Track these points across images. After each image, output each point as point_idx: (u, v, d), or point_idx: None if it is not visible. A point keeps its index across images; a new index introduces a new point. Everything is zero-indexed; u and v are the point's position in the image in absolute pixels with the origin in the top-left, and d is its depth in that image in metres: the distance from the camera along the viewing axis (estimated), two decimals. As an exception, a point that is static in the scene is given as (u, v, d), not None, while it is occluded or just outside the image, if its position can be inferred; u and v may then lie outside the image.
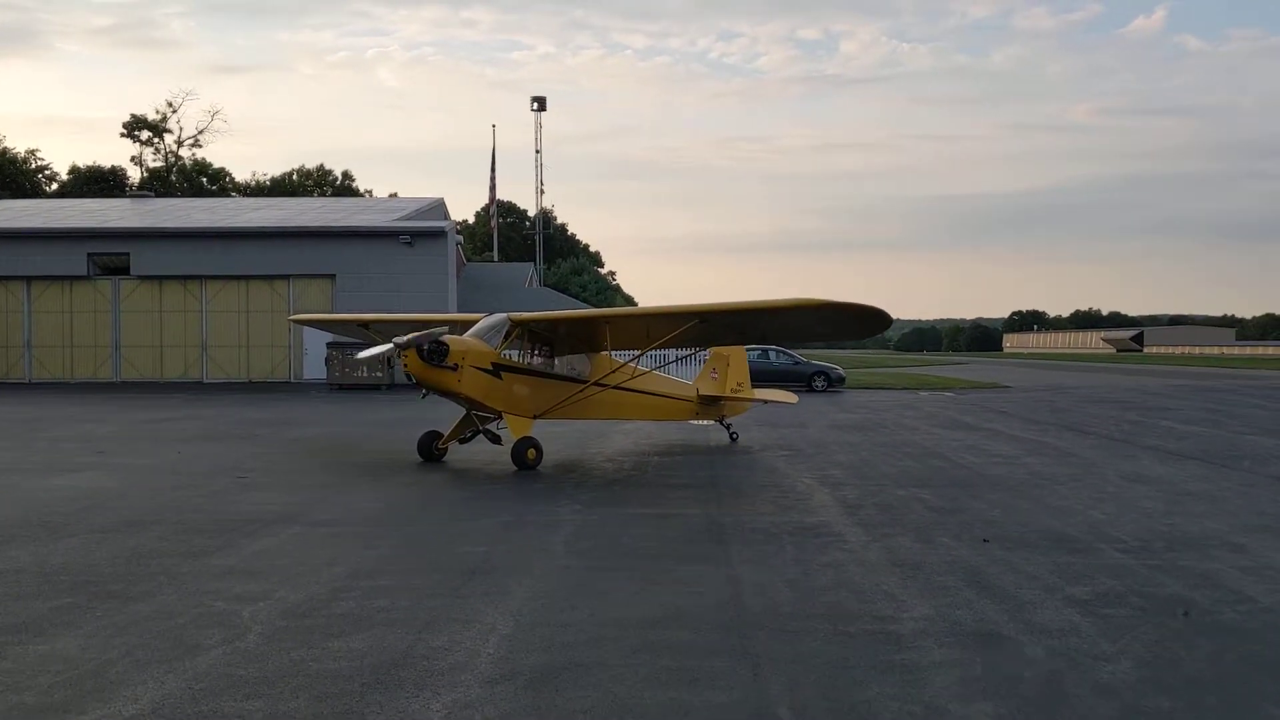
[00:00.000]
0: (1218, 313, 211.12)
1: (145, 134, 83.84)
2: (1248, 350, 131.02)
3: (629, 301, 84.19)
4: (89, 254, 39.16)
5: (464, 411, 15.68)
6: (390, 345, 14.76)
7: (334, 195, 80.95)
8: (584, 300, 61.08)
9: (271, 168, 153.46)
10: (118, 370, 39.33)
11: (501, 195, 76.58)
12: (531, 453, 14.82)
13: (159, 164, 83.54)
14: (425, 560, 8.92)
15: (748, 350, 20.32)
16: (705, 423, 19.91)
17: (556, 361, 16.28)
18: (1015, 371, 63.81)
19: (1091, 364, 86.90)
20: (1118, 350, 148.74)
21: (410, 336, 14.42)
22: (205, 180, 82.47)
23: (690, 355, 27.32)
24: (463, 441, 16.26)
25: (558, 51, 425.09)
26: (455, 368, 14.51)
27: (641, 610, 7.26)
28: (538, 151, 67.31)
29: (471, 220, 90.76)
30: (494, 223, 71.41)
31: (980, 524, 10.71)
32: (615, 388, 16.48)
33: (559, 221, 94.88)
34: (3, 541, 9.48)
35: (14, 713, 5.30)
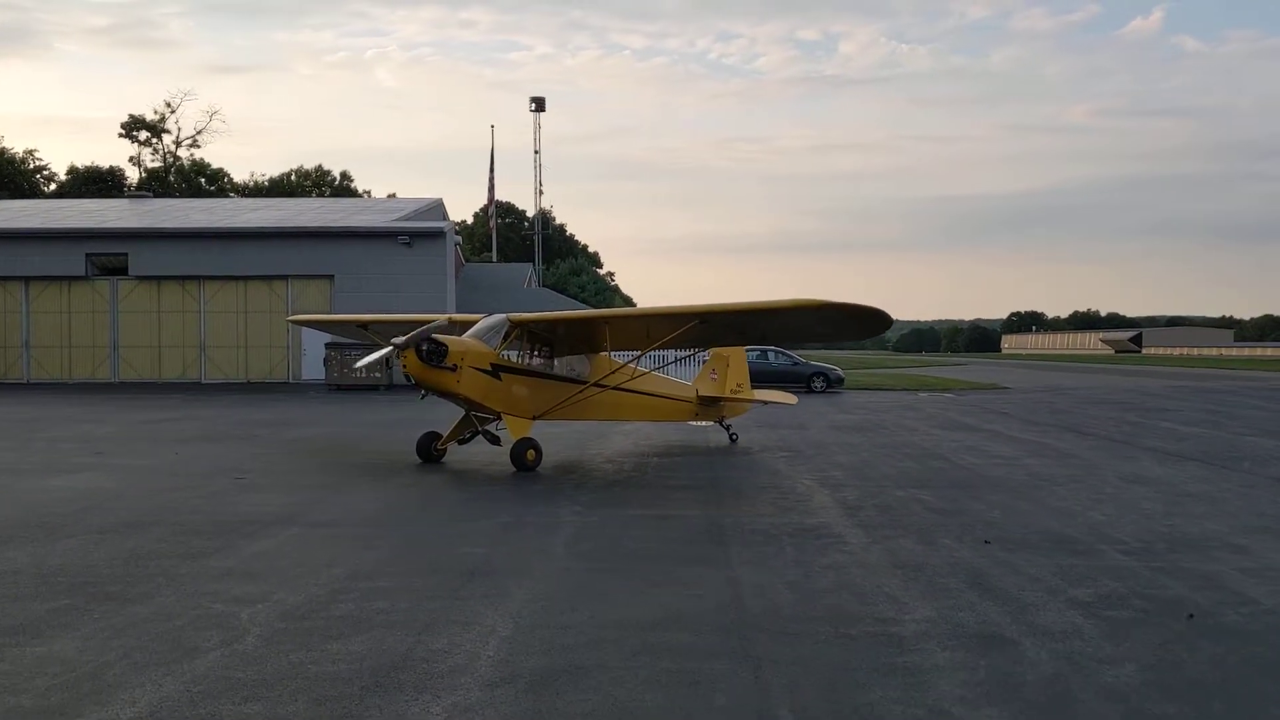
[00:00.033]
0: (1216, 314, 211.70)
1: (143, 134, 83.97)
2: (1246, 351, 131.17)
3: (628, 302, 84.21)
4: (87, 254, 39.12)
5: (463, 412, 15.66)
6: (389, 348, 14.74)
7: (332, 196, 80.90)
8: (583, 301, 61.05)
9: (270, 168, 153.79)
10: (116, 371, 39.27)
11: (500, 196, 76.75)
12: (531, 454, 14.78)
13: (157, 164, 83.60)
14: (424, 562, 8.88)
15: (746, 351, 20.30)
16: (705, 424, 19.90)
17: (556, 362, 16.25)
18: (1014, 372, 63.86)
19: (1090, 365, 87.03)
20: (1116, 351, 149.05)
21: (409, 336, 14.41)
22: (204, 181, 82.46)
23: (690, 356, 27.28)
24: (462, 442, 16.23)
25: (556, 52, 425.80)
26: (454, 368, 14.48)
27: (642, 612, 7.22)
28: (536, 152, 67.44)
29: (470, 221, 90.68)
30: (492, 223, 71.37)
31: (981, 525, 10.69)
32: (615, 389, 16.45)
33: (558, 222, 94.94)
34: (0, 542, 9.45)
35: (11, 715, 5.27)
